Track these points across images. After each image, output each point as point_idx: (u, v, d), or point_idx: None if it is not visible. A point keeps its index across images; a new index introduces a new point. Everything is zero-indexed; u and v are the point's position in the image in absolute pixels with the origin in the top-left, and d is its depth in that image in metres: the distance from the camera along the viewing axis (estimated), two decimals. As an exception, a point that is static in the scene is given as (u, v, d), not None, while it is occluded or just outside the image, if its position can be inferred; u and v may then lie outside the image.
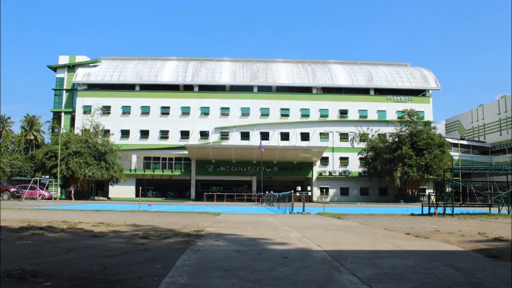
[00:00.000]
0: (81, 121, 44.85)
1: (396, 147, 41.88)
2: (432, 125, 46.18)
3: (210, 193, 43.71)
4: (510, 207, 15.92)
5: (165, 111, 49.31)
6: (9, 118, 69.09)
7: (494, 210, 16.89)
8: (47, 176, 41.24)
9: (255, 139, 47.48)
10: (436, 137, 42.25)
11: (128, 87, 50.77)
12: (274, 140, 48.87)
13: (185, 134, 48.85)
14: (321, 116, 50.08)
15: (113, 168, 39.25)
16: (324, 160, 48.84)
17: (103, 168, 38.35)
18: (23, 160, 51.71)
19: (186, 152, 45.81)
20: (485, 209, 17.49)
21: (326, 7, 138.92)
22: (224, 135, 49.18)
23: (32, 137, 66.46)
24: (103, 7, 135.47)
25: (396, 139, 43.08)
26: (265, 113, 49.74)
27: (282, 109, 49.87)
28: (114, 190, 45.25)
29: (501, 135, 54.63)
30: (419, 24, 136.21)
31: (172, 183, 50.75)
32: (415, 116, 43.06)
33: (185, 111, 49.35)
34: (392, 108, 49.82)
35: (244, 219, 12.28)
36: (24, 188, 34.17)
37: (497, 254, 5.22)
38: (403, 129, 43.14)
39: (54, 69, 52.66)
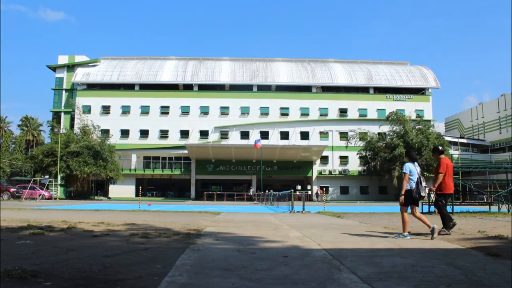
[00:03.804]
0: (78, 123, 44.77)
1: (394, 146, 41.89)
2: (431, 123, 46.11)
3: (210, 192, 43.71)
4: (510, 205, 15.92)
5: (164, 110, 49.31)
6: (6, 117, 69.19)
7: (494, 208, 16.88)
8: (47, 176, 41.20)
9: (254, 138, 47.50)
10: (432, 137, 42.03)
11: (127, 87, 50.78)
12: (274, 139, 48.88)
13: (184, 134, 48.85)
14: (321, 115, 50.09)
15: (110, 167, 39.09)
16: (324, 159, 48.85)
17: (101, 167, 38.30)
18: (23, 160, 51.63)
19: (186, 151, 45.81)
20: (485, 208, 17.47)
21: (326, 6, 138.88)
22: (224, 135, 49.18)
23: (31, 138, 66.45)
24: (103, 6, 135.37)
25: (394, 139, 43.07)
26: (264, 112, 49.73)
27: (281, 108, 49.87)
28: (114, 190, 45.25)
29: (500, 133, 54.68)
30: (419, 22, 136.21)
31: (172, 183, 50.73)
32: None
33: (185, 111, 49.35)
34: (392, 106, 49.81)
35: (244, 218, 12.27)
36: (24, 188, 34.11)
37: (497, 252, 5.22)
38: (395, 129, 43.07)
39: (54, 69, 52.64)
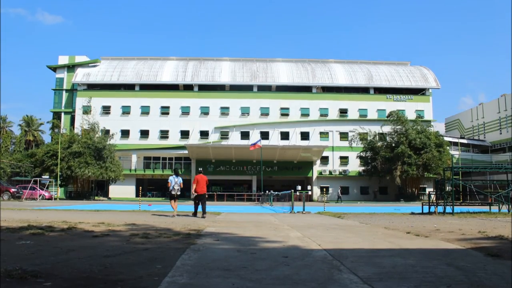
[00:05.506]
0: (80, 121, 44.69)
1: (395, 146, 41.87)
2: (431, 123, 46.15)
3: (210, 192, 43.63)
4: (510, 206, 15.91)
5: (165, 111, 49.31)
6: (6, 117, 69.00)
7: (494, 208, 16.87)
8: (47, 176, 41.18)
9: (255, 139, 47.45)
10: (433, 137, 42.05)
11: (127, 87, 50.77)
12: (274, 139, 48.87)
13: (185, 134, 48.85)
14: (321, 115, 50.08)
15: (111, 168, 39.02)
16: (324, 159, 48.82)
17: (103, 168, 38.24)
18: (23, 156, 51.50)
19: (186, 152, 45.80)
20: (485, 208, 17.47)
21: (326, 7, 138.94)
22: (224, 135, 49.18)
23: (32, 138, 66.43)
24: (102, 6, 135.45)
25: (395, 138, 43.05)
26: (265, 112, 49.73)
27: (282, 108, 49.87)
28: (114, 190, 45.23)
29: (501, 133, 54.63)
30: (419, 23, 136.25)
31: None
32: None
33: (185, 111, 49.35)
34: (392, 107, 49.77)
35: (244, 219, 12.28)
36: (24, 189, 34.04)
37: (498, 252, 5.21)
38: (397, 129, 43.00)
39: (54, 69, 52.64)
